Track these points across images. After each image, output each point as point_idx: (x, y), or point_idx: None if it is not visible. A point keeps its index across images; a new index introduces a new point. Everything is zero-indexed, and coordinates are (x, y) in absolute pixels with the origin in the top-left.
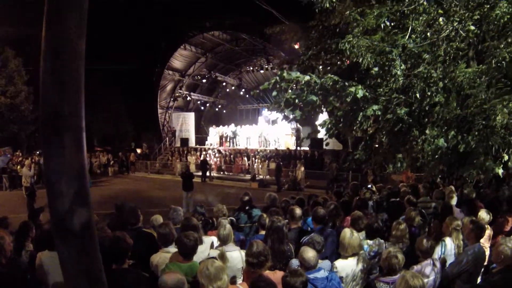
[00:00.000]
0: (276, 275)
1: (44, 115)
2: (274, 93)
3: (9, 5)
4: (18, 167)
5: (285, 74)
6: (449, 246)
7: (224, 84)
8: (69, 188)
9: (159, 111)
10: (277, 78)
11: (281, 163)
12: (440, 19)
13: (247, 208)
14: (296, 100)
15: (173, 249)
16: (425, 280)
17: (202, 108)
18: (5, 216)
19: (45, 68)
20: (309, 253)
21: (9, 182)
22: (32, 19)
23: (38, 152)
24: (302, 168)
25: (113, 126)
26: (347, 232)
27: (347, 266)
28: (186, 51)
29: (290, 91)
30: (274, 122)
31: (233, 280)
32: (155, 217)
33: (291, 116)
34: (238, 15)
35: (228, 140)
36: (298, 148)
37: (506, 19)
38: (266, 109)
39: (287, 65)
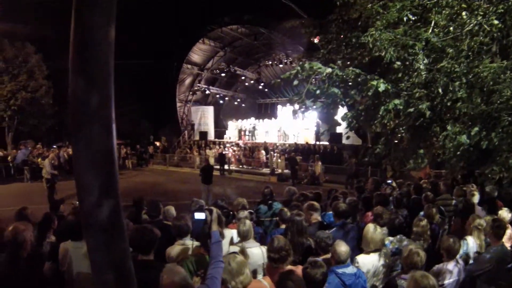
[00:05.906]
0: (299, 270)
1: (72, 107)
2: (295, 82)
3: (28, 2)
4: (39, 159)
5: (306, 65)
6: (471, 245)
7: (243, 78)
8: (98, 180)
9: (178, 104)
10: (299, 68)
11: (294, 155)
12: (463, 13)
13: (268, 201)
14: (317, 91)
15: (188, 241)
16: (447, 281)
17: (221, 102)
18: (25, 207)
19: (73, 60)
20: (342, 248)
21: (30, 174)
22: (52, 14)
23: (55, 146)
24: (320, 163)
25: (131, 120)
26: (370, 227)
27: (369, 261)
28: (205, 45)
29: (310, 84)
30: (295, 112)
31: (254, 276)
32: (167, 208)
33: (310, 108)
34: (256, 9)
35: (247, 134)
36: (317, 142)
37: None
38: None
39: (306, 59)
